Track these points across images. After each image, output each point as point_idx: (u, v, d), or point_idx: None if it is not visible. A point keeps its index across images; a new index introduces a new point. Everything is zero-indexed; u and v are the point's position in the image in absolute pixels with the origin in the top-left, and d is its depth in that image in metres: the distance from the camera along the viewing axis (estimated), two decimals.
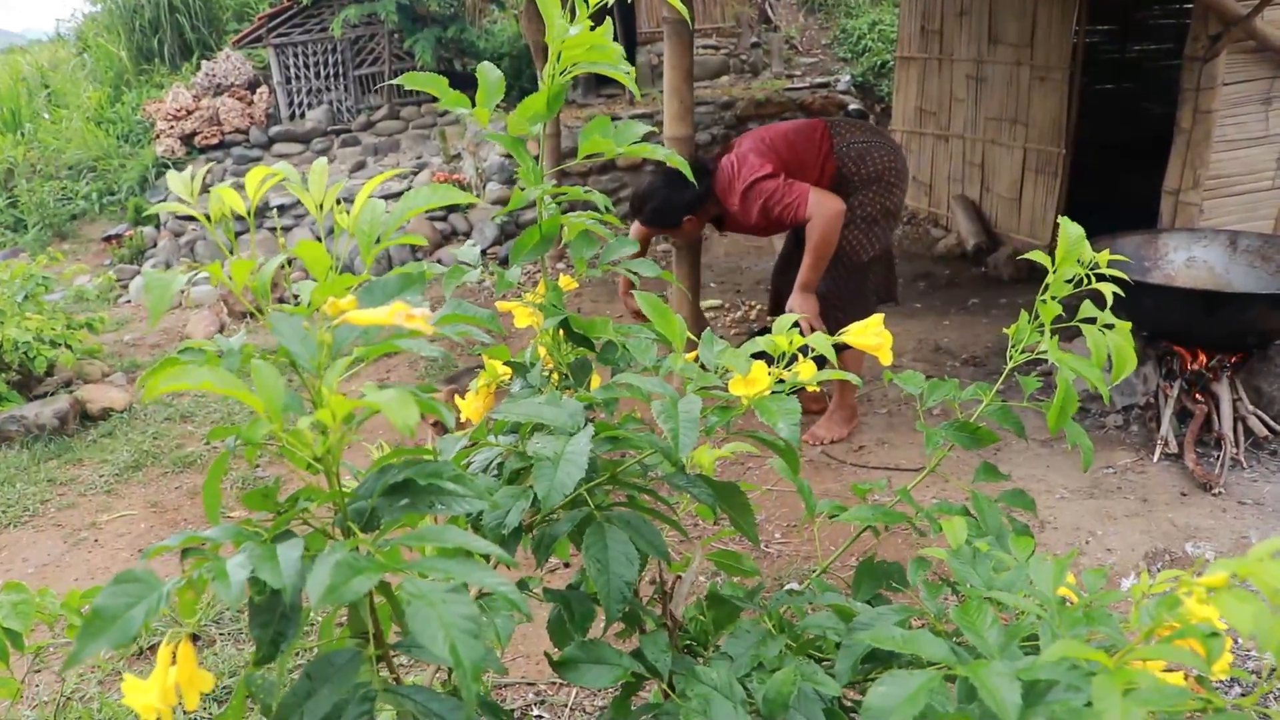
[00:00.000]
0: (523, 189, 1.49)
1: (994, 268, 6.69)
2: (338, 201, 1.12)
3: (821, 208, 3.66)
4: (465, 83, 10.07)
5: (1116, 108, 8.79)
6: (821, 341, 1.25)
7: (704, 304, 6.28)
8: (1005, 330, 1.66)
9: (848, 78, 10.16)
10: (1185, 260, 4.55)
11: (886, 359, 1.39)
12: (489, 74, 1.38)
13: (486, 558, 0.84)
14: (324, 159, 1.01)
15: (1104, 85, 8.67)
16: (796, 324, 1.30)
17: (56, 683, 2.91)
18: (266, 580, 0.72)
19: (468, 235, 8.44)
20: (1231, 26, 5.21)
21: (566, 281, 1.63)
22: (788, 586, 3.18)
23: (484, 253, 8.23)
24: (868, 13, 11.50)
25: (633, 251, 1.61)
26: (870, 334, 1.34)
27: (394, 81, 1.17)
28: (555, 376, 1.55)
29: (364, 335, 0.85)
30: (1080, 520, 3.49)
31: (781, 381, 1.26)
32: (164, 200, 9.51)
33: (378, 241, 0.96)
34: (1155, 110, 8.81)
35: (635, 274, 1.60)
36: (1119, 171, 7.54)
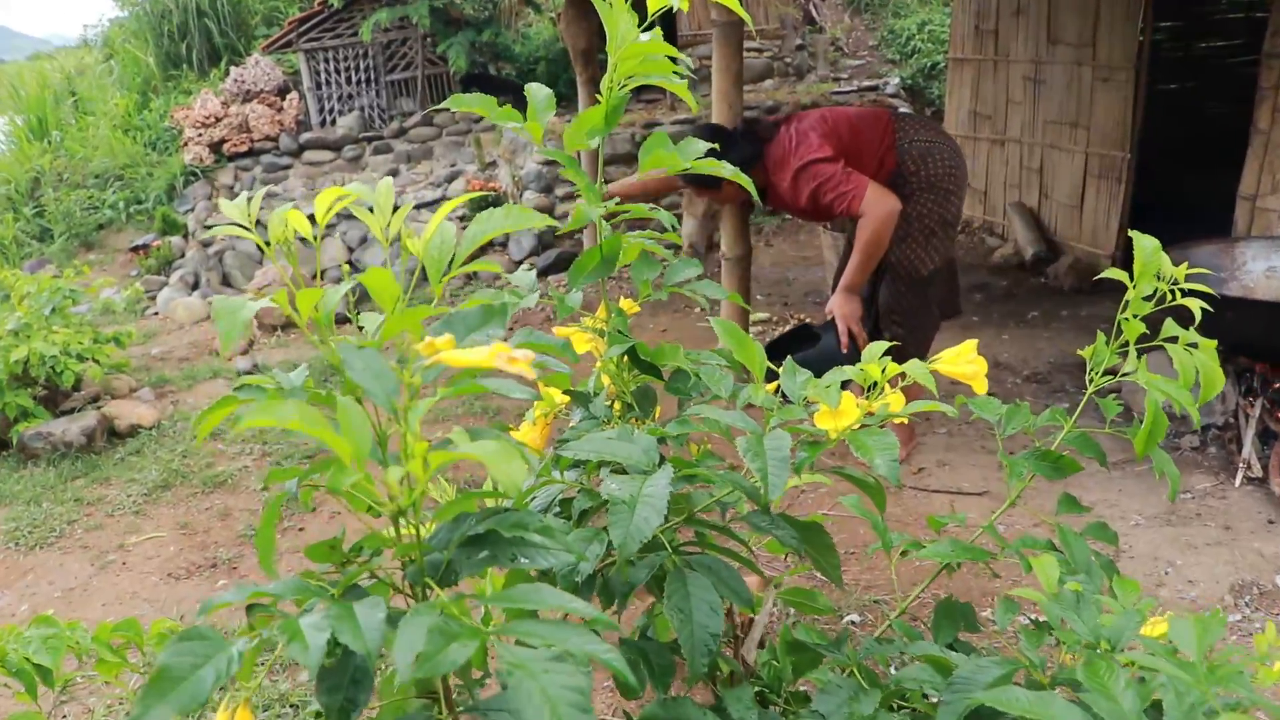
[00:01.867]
0: (577, 198, 1.45)
1: (1054, 278, 6.58)
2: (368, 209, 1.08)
3: (877, 205, 3.51)
4: (500, 88, 10.10)
5: (1180, 107, 8.65)
6: (920, 372, 1.20)
7: (751, 317, 6.22)
8: (1079, 352, 1.61)
9: (896, 80, 10.08)
10: (1265, 270, 4.43)
11: (981, 388, 1.34)
12: (538, 94, 1.36)
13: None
14: (389, 179, 0.97)
15: (1167, 85, 8.54)
16: (887, 353, 1.25)
17: (85, 714, 2.90)
18: (347, 643, 0.68)
19: (504, 245, 8.44)
20: None
21: (628, 305, 1.59)
22: (848, 618, 3.12)
23: (519, 263, 8.21)
24: (916, 12, 11.42)
25: (696, 273, 1.57)
26: (963, 362, 1.28)
27: (441, 107, 1.15)
28: (618, 405, 1.50)
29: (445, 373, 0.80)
30: (1158, 549, 3.39)
31: (870, 414, 1.21)
32: (191, 210, 9.60)
33: (448, 269, 0.92)
34: (1220, 110, 8.68)
35: (697, 294, 1.55)
36: (1182, 174, 7.42)
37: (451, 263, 0.92)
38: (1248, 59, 8.58)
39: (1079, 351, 1.66)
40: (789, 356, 3.48)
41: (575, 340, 1.62)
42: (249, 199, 0.91)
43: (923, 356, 4.13)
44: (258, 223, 0.94)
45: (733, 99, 3.91)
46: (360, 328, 0.95)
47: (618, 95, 1.38)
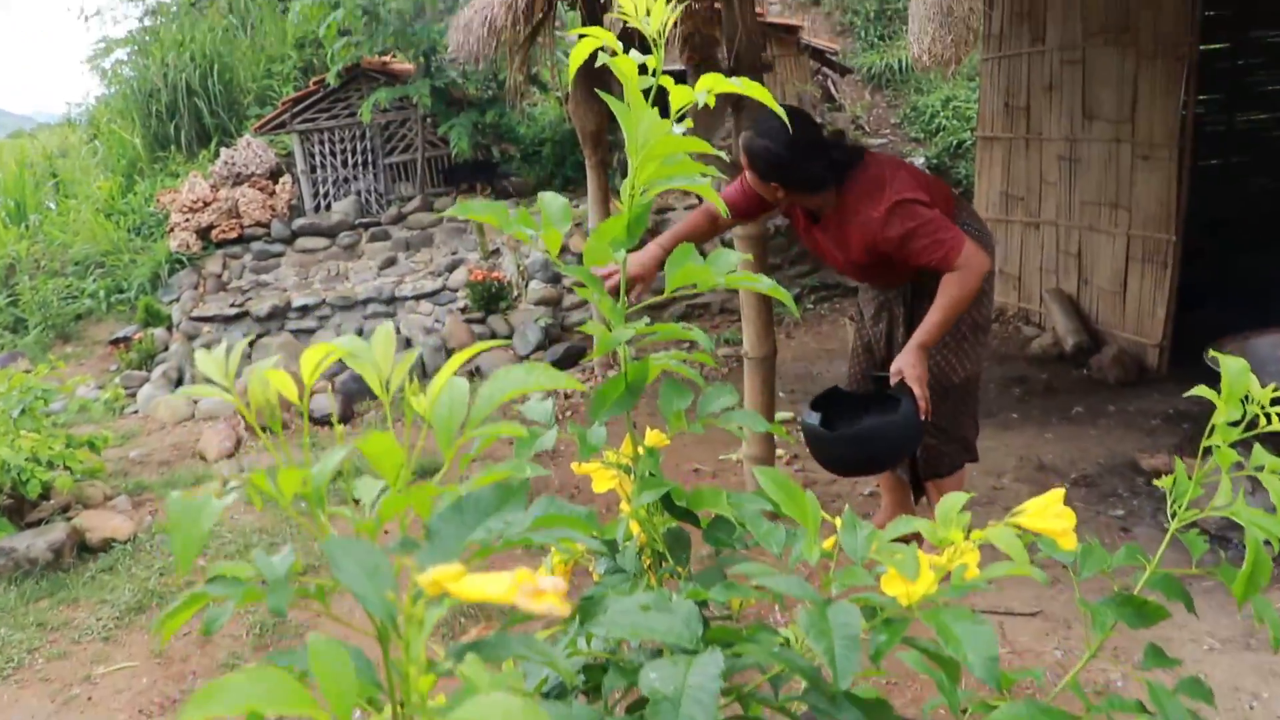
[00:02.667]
0: (602, 324, 1.36)
1: (1098, 370, 6.48)
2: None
3: (974, 259, 3.31)
4: (500, 173, 10.17)
5: (1224, 183, 8.64)
6: (1005, 537, 1.09)
7: (775, 417, 6.11)
8: (1156, 483, 1.51)
9: (921, 160, 10.12)
10: None
11: (1069, 544, 1.22)
12: (551, 204, 1.33)
13: None
14: (388, 326, 0.88)
15: (1208, 160, 8.54)
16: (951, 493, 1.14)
17: None
18: None
19: (509, 337, 8.39)
20: None
21: (657, 438, 1.49)
22: None
23: (525, 358, 8.15)
24: (940, 88, 11.51)
25: (733, 401, 1.47)
26: (1050, 516, 1.18)
27: (448, 213, 1.08)
28: (647, 555, 1.40)
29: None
30: (1238, 678, 3.23)
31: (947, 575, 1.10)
32: (176, 300, 9.59)
33: (460, 432, 0.83)
34: (1269, 185, 8.66)
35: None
36: (1231, 254, 7.35)
37: (464, 426, 0.82)
38: None
39: (1155, 482, 1.57)
40: (864, 423, 3.25)
41: (596, 478, 1.51)
42: (228, 352, 0.82)
43: (965, 460, 3.99)
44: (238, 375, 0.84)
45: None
46: (356, 500, 0.84)
47: (640, 203, 1.31)
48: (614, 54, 1.18)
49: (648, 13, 1.23)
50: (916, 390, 3.34)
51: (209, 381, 0.82)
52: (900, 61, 11.86)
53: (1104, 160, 6.72)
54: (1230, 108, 8.73)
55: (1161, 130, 6.18)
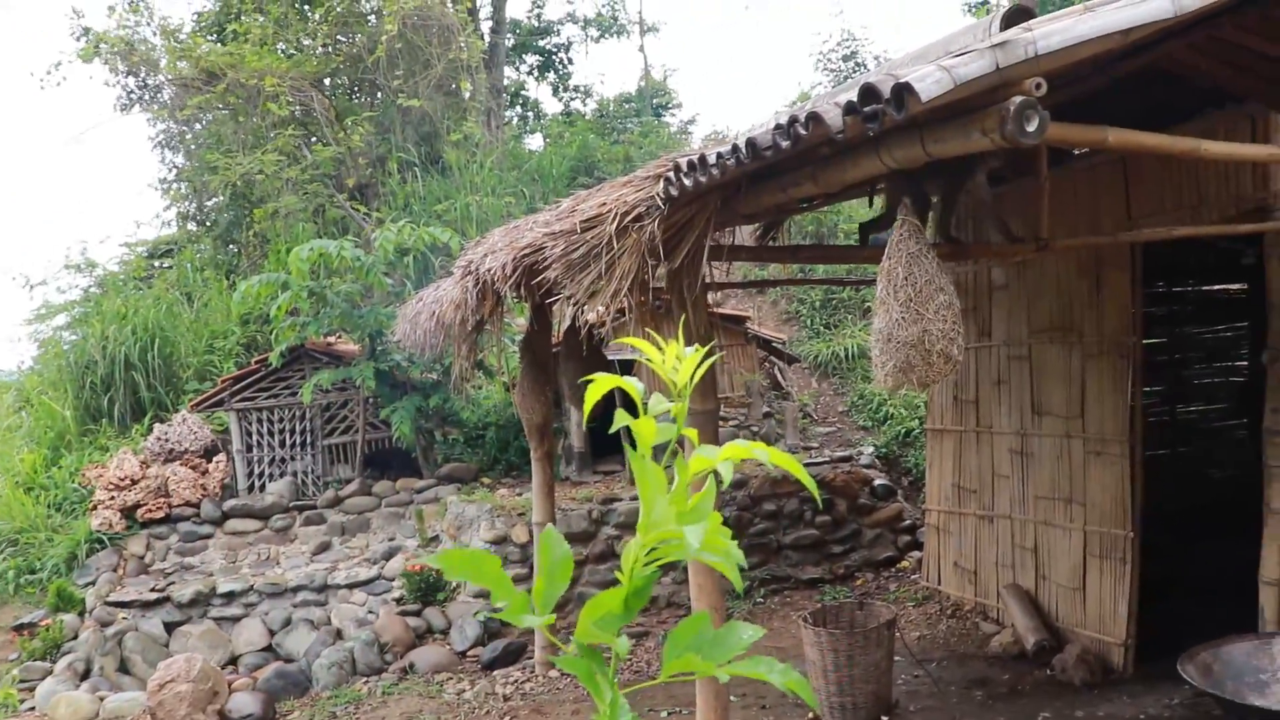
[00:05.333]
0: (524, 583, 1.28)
1: (1062, 670, 6.36)
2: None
3: None
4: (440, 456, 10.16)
5: (1174, 475, 8.82)
6: None
7: None
8: None
9: (870, 449, 10.28)
10: None
11: None
12: (554, 545, 1.27)
13: None
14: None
15: (1157, 451, 8.75)
16: None
17: None
18: None
19: (444, 633, 8.14)
20: None
21: None
22: None
23: (463, 654, 7.88)
24: None
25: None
26: None
27: (433, 566, 1.05)
28: None
29: None
30: None
31: None
32: (92, 583, 9.23)
33: None
34: (1221, 475, 8.86)
35: None
36: (1189, 547, 7.39)
37: None
38: (1238, 423, 8.91)
39: None
40: None
41: None
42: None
43: None
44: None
45: None
46: None
47: (641, 575, 1.25)
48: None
49: (677, 363, 1.28)
50: None
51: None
52: (846, 350, 12.25)
53: (1056, 455, 6.84)
54: (1172, 400, 9.06)
55: (1112, 425, 6.34)
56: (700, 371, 1.33)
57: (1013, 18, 3.07)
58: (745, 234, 7.03)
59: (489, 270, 5.50)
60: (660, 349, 1.36)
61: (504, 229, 6.35)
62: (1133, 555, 6.26)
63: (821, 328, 13.14)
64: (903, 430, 10.70)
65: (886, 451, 10.52)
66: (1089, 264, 6.45)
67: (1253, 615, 5.49)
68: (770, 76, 42.78)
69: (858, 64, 18.90)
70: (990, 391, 7.47)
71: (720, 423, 10.59)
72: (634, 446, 1.24)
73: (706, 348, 1.41)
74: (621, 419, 1.32)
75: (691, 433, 1.28)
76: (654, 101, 22.73)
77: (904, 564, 9.21)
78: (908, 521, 9.46)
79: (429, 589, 8.49)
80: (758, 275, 11.90)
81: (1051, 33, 2.44)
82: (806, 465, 9.46)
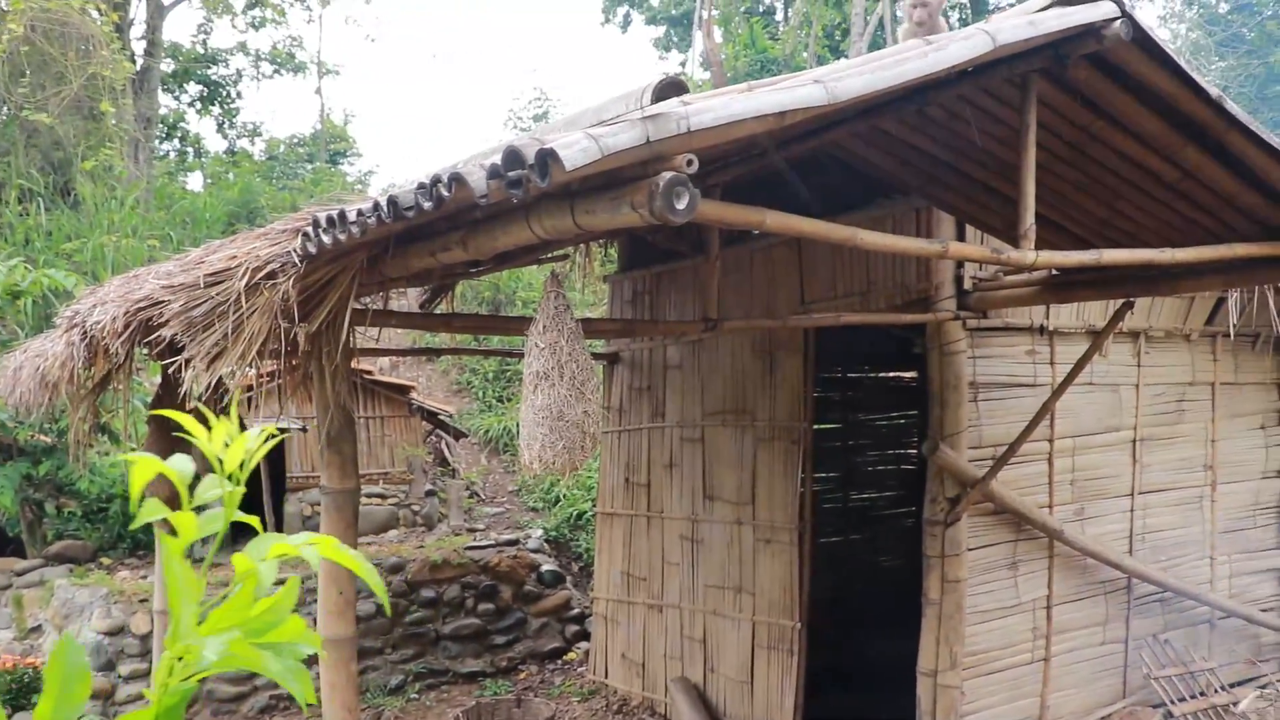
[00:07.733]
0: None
1: None
2: None
3: None
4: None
5: (847, 561, 9.02)
6: None
7: None
8: None
9: (539, 532, 9.98)
10: None
11: None
12: (68, 658, 1.05)
13: None
14: None
15: (830, 538, 8.92)
16: None
17: None
18: None
19: None
20: (969, 489, 5.34)
21: None
22: None
23: None
24: None
25: None
26: None
27: None
28: None
29: None
30: None
31: None
32: None
33: None
34: (889, 563, 9.14)
35: None
36: (857, 636, 7.49)
37: None
38: (905, 510, 9.24)
39: None
40: None
41: None
42: None
43: None
44: None
45: (344, 584, 3.34)
46: None
47: (175, 693, 1.04)
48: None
49: (226, 444, 1.15)
50: None
51: None
52: (519, 425, 11.94)
53: (726, 542, 6.75)
54: (845, 486, 9.30)
55: (782, 514, 6.31)
56: (257, 455, 1.15)
57: (665, 90, 2.97)
58: (413, 297, 6.61)
59: (97, 324, 4.77)
60: (208, 426, 1.15)
61: (123, 277, 5.60)
62: (800, 646, 6.23)
63: (494, 400, 12.80)
64: (575, 512, 10.46)
65: (557, 535, 10.24)
66: (763, 346, 6.45)
67: (915, 707, 5.53)
68: (460, 131, 42.80)
69: (550, 123, 19.01)
70: (662, 474, 7.33)
71: (379, 500, 10.09)
72: None
73: (272, 430, 1.16)
74: (152, 511, 1.12)
75: (253, 520, 1.14)
76: (330, 147, 21.94)
77: (571, 655, 8.88)
78: (576, 610, 9.16)
79: (24, 690, 7.33)
80: (427, 342, 11.42)
81: (706, 109, 2.26)
82: (470, 549, 9.02)
